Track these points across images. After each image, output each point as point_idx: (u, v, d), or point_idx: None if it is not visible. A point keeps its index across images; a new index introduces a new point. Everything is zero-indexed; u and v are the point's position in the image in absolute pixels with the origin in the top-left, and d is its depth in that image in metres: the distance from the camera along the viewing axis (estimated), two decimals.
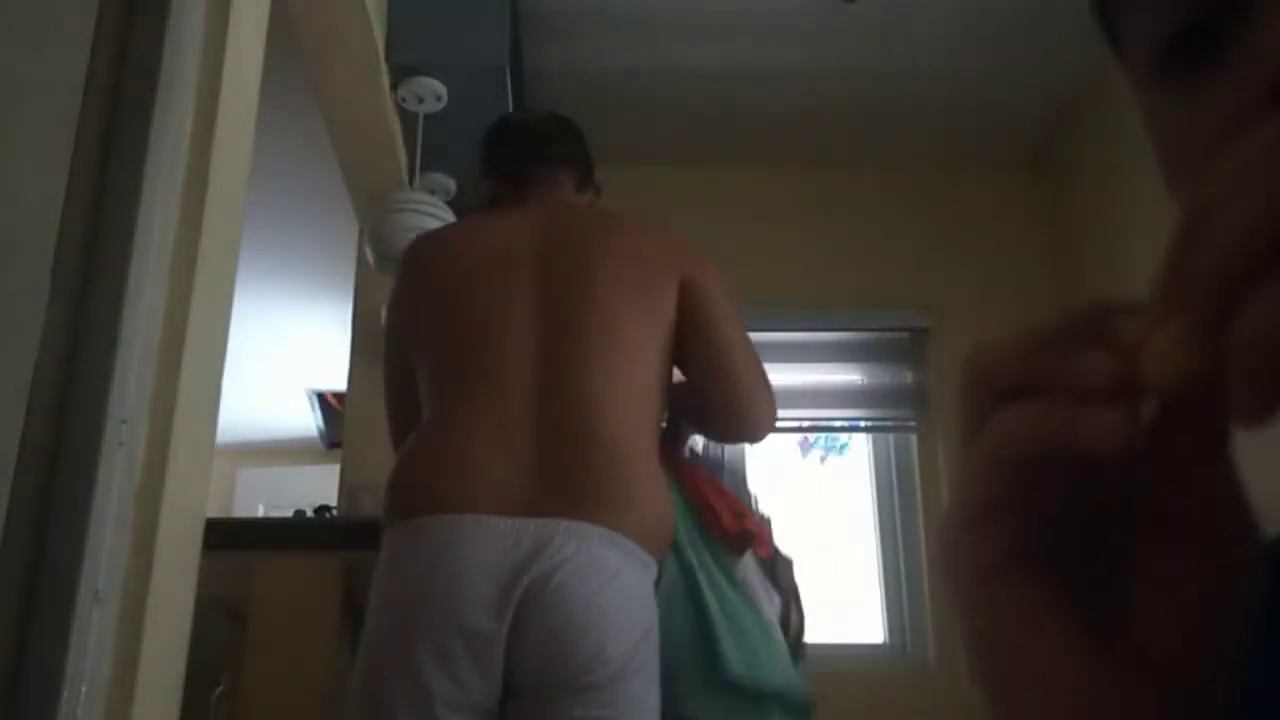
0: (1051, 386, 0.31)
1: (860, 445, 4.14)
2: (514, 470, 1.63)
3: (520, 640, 1.56)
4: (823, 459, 4.25)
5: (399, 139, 2.99)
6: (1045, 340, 0.32)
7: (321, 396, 6.10)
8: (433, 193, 2.99)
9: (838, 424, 4.15)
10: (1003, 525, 0.33)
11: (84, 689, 1.14)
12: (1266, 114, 0.33)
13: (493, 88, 2.88)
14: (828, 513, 4.10)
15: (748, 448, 4.16)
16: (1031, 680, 0.32)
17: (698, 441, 1.99)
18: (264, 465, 6.41)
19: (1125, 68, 0.41)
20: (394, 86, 2.87)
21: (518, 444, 1.65)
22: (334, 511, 3.42)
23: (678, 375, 1.86)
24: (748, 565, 1.81)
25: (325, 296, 4.92)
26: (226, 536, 2.29)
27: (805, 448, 4.22)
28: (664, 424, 1.85)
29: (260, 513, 6.09)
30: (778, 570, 1.84)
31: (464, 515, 1.59)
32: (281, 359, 5.69)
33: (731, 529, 1.80)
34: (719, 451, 2.08)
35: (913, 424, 3.99)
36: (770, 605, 1.80)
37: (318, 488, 4.51)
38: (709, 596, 1.74)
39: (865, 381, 4.11)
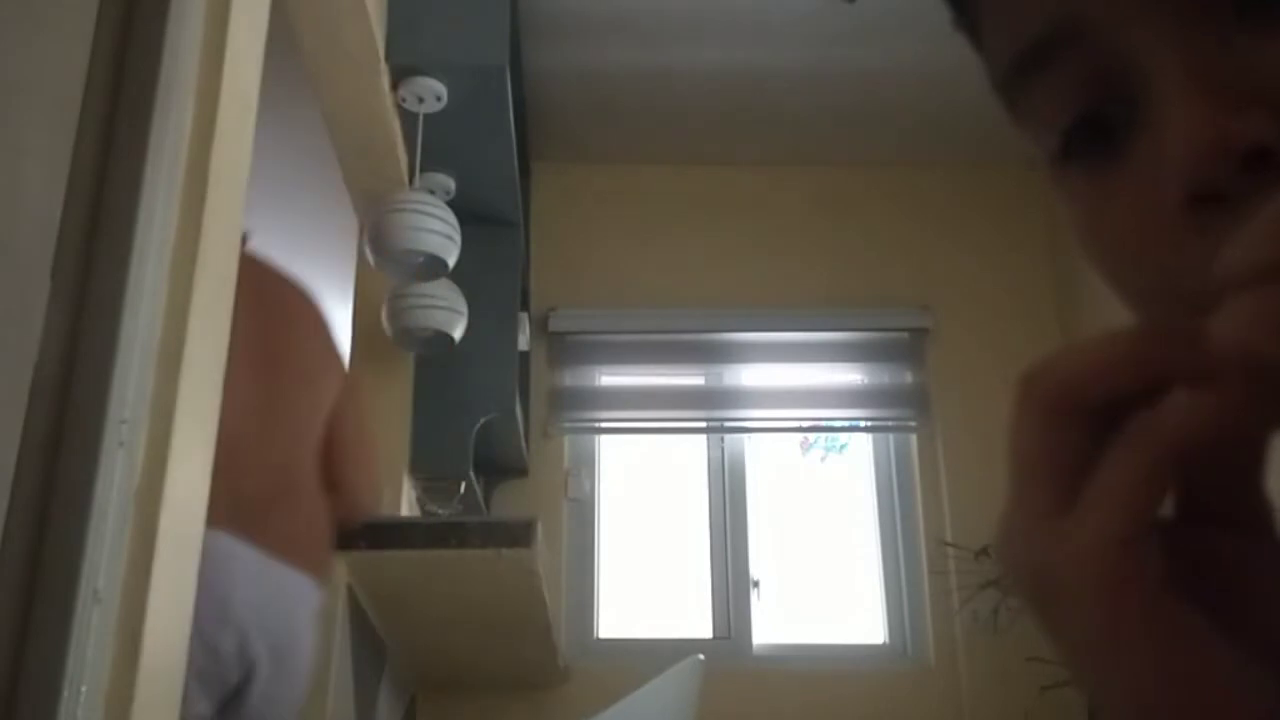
0: (1173, 384, 0.29)
1: (860, 445, 4.13)
2: (244, 492, 1.79)
3: (250, 683, 1.74)
4: (823, 458, 4.25)
5: (399, 139, 2.99)
6: (1150, 343, 0.30)
7: None
8: (433, 193, 2.99)
9: (838, 424, 4.16)
10: (1161, 537, 0.31)
11: (84, 689, 1.14)
12: (1182, 217, 0.33)
13: (493, 88, 2.88)
14: (828, 513, 4.10)
15: (747, 447, 4.16)
16: (1219, 695, 0.30)
17: None
18: None
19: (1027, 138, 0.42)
20: (394, 86, 2.87)
21: (244, 473, 1.80)
22: None
23: None
24: None
25: (325, 296, 4.91)
26: None
27: (805, 447, 4.22)
28: None
29: None
30: None
31: (232, 538, 1.74)
32: None
33: None
34: None
35: (913, 424, 3.99)
36: None
37: None
38: None
39: (865, 381, 4.11)
